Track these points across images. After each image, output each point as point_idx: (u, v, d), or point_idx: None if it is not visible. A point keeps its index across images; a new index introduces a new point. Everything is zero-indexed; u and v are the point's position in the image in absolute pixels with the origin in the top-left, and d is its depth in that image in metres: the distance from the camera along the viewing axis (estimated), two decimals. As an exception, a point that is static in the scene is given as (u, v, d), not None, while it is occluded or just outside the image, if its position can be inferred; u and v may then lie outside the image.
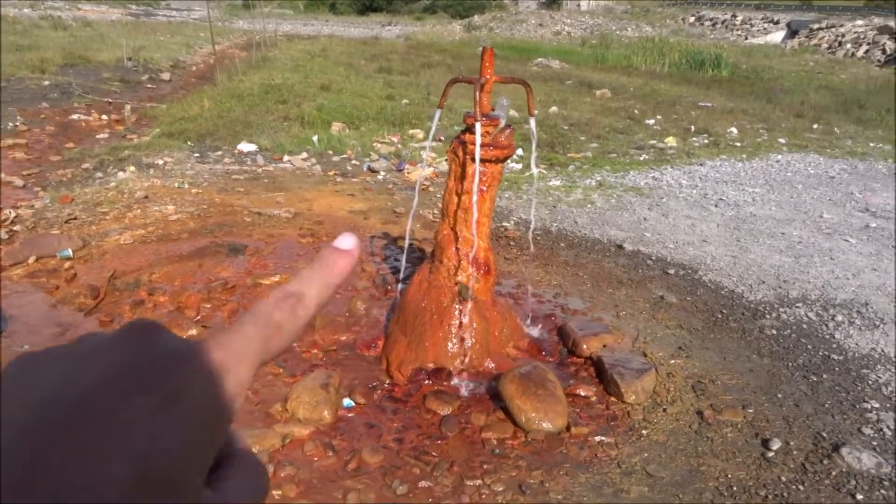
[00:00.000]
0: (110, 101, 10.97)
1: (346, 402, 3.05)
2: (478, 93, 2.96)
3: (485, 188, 3.17)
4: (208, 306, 3.87)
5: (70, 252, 4.34)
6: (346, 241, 0.44)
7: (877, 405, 3.18)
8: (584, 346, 3.52)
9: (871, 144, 9.81)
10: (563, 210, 6.11)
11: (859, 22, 26.08)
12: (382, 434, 2.86)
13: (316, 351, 3.49)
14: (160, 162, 6.84)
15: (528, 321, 3.82)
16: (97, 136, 8.51)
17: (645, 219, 5.95)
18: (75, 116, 9.53)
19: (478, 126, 2.95)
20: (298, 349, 3.49)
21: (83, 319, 3.67)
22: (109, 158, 6.91)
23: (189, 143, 7.91)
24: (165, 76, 14.48)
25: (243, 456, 0.39)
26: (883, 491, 2.60)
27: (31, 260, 4.24)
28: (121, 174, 6.30)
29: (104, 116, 9.76)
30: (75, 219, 5.04)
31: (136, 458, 0.27)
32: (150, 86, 13.32)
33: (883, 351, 3.71)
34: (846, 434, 2.95)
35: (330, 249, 0.43)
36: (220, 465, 0.36)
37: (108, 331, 0.36)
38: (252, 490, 0.38)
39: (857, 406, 3.17)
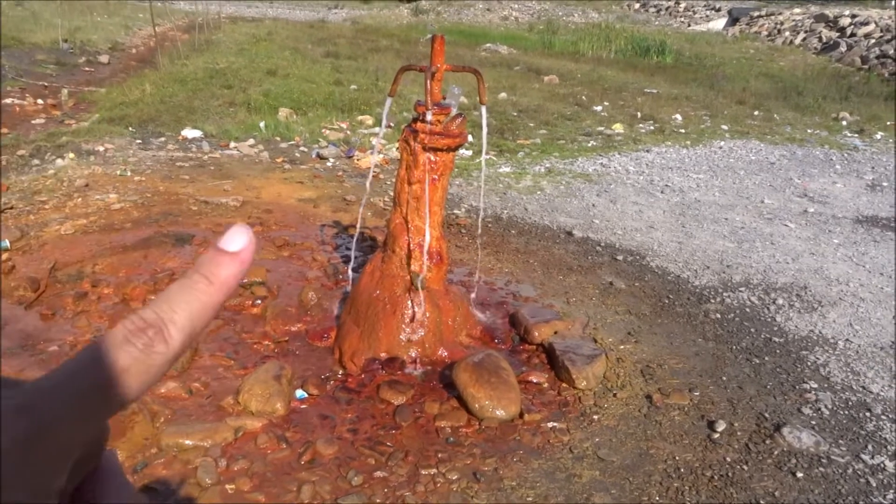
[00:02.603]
0: (46, 84, 10.56)
1: (299, 393, 3.02)
2: (429, 81, 2.95)
3: (436, 177, 3.16)
4: (154, 297, 3.76)
5: (7, 243, 4.18)
6: (235, 239, 0.33)
7: (815, 386, 3.31)
8: (536, 333, 3.56)
9: (809, 131, 10.12)
10: (514, 197, 6.15)
11: (797, 10, 26.80)
12: (336, 425, 2.84)
13: (267, 342, 3.45)
14: (101, 148, 6.63)
15: (480, 309, 3.84)
16: (33, 122, 8.19)
17: (594, 205, 6.03)
18: (8, 101, 9.14)
19: (429, 115, 2.94)
20: (249, 340, 3.44)
21: (24, 313, 3.54)
22: (47, 145, 6.66)
23: (130, 128, 7.69)
24: (104, 59, 13.98)
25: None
26: (822, 468, 2.71)
27: (-36, 252, 4.07)
28: (59, 161, 6.09)
29: (39, 101, 9.39)
30: (12, 208, 4.85)
31: None
32: (87, 69, 12.86)
33: (821, 333, 3.86)
34: (787, 414, 3.07)
35: (211, 253, 0.33)
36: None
37: None
38: None
39: (797, 387, 3.30)
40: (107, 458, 0.36)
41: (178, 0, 29.04)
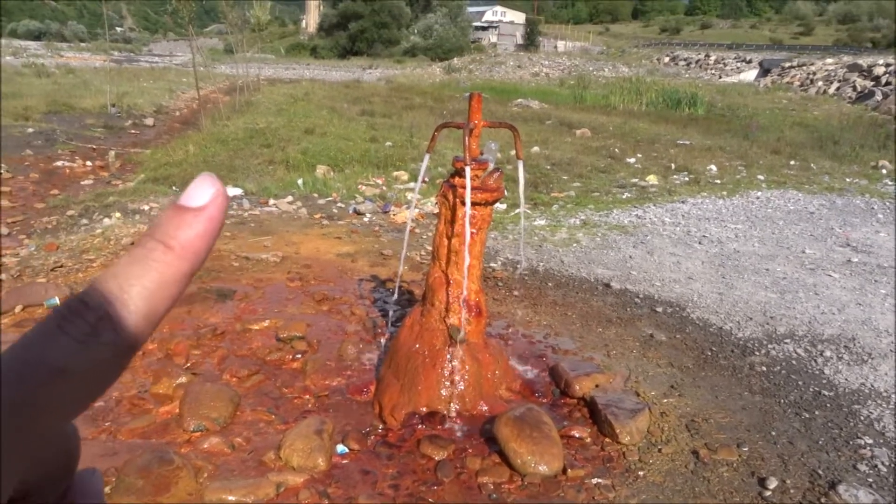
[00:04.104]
0: (94, 147, 10.97)
1: (340, 448, 3.01)
2: (467, 137, 3.00)
3: (475, 231, 3.19)
4: (197, 353, 3.82)
5: (57, 300, 4.30)
6: (199, 193, 0.27)
7: (870, 441, 3.19)
8: (577, 387, 3.52)
9: (848, 180, 10.00)
10: (549, 249, 6.15)
11: (829, 60, 26.80)
12: (378, 481, 2.82)
13: (308, 397, 3.45)
14: (146, 207, 6.83)
15: (520, 362, 3.82)
16: (82, 183, 8.48)
17: (630, 257, 6.00)
18: (59, 163, 9.50)
19: (467, 170, 2.98)
20: (290, 395, 3.45)
21: (70, 369, 3.61)
22: (95, 205, 6.89)
23: (174, 188, 7.91)
24: (149, 121, 14.51)
25: None
26: (881, 528, 2.60)
27: (17, 309, 4.19)
28: (106, 220, 6.27)
29: (88, 163, 9.74)
30: (61, 266, 5.00)
31: None
32: (133, 131, 13.34)
33: (872, 386, 3.74)
34: (842, 471, 2.96)
35: (170, 212, 0.27)
36: None
37: None
38: None
39: (851, 442, 3.19)
40: (82, 477, 0.32)
41: (219, 64, 30.14)
